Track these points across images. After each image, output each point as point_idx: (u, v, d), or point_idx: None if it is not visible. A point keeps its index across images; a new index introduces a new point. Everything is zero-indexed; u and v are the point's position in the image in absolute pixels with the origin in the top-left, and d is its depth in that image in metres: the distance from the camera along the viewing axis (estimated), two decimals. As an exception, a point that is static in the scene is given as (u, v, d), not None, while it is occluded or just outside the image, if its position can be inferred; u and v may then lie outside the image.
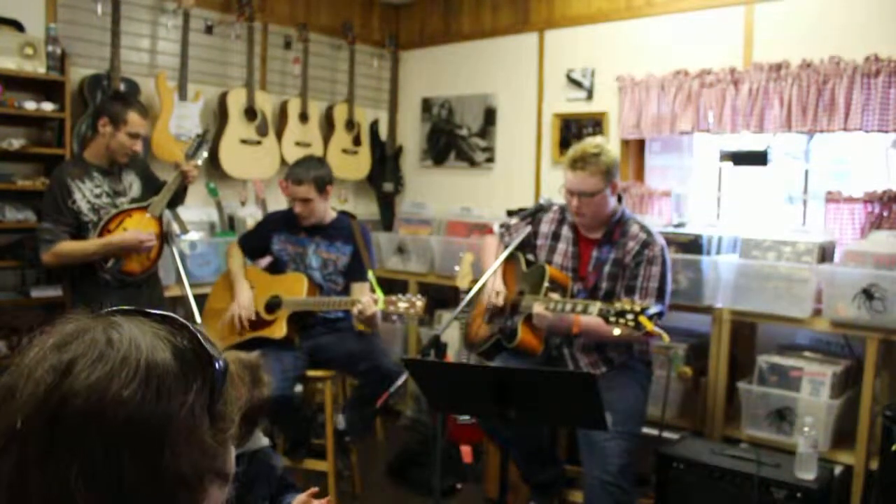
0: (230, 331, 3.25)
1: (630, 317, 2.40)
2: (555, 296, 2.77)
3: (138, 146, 3.08)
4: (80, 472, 0.60)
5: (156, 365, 0.64)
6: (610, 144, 4.07)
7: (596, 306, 2.55)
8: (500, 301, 2.95)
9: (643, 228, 2.86)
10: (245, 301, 3.23)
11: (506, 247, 2.99)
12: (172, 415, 0.64)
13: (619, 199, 2.90)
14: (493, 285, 2.98)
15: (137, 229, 3.02)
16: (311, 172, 3.23)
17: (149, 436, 0.62)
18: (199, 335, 0.70)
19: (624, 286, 2.82)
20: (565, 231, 2.99)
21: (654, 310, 2.43)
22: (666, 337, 2.42)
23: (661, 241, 2.85)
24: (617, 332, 2.43)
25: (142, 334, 0.66)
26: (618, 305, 2.46)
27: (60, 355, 0.64)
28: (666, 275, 2.81)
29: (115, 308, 0.71)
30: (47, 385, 0.62)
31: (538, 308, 2.75)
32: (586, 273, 2.89)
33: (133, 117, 2.98)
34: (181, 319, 0.71)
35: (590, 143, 2.82)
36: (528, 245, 3.07)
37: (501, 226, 3.20)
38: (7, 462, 0.61)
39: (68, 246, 2.92)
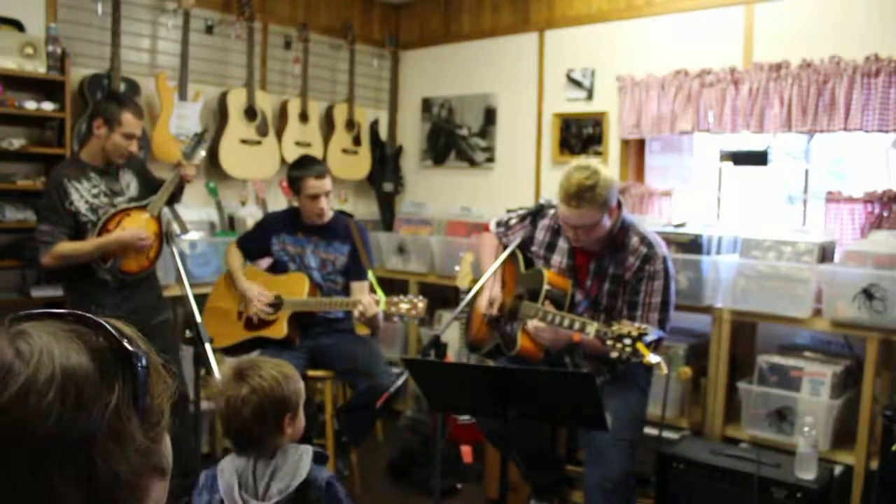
0: (232, 331, 3.26)
1: (627, 342, 2.35)
2: (551, 307, 2.72)
3: (134, 147, 3.04)
4: (7, 492, 0.58)
5: (72, 371, 0.61)
6: (610, 145, 4.10)
7: (593, 327, 2.51)
8: (494, 311, 2.93)
9: (644, 241, 2.74)
10: (256, 291, 3.24)
11: (505, 247, 2.97)
12: (97, 420, 0.61)
13: (619, 206, 2.78)
14: (490, 291, 2.95)
15: (136, 227, 3.01)
16: (324, 165, 3.33)
17: (75, 446, 0.60)
18: (114, 332, 0.66)
19: (626, 301, 2.76)
20: (561, 242, 2.91)
21: (651, 336, 2.37)
22: (664, 368, 2.35)
23: (662, 251, 2.75)
24: (615, 355, 2.39)
25: (53, 339, 0.63)
26: (615, 329, 2.40)
27: None
28: (669, 287, 2.73)
29: (21, 313, 0.67)
30: None
31: (534, 324, 2.71)
32: (585, 284, 2.84)
33: (128, 118, 2.96)
34: (93, 317, 0.67)
35: (582, 172, 2.60)
36: (526, 247, 3.04)
37: (499, 224, 3.16)
38: None
39: (67, 247, 2.92)
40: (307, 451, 1.79)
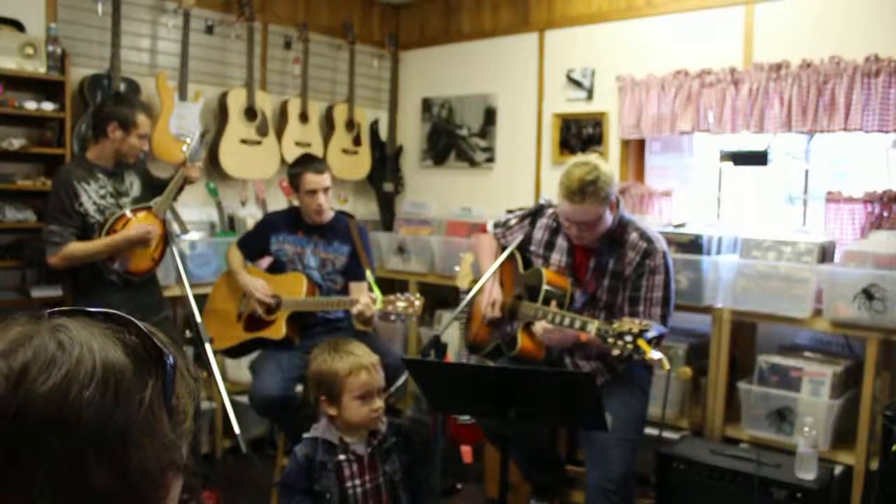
0: (231, 332, 3.26)
1: (629, 339, 2.34)
2: (553, 307, 2.72)
3: (146, 146, 3.13)
4: (45, 479, 0.59)
5: (111, 365, 0.63)
6: (610, 145, 4.10)
7: (594, 325, 2.50)
8: (496, 312, 2.93)
9: (643, 236, 2.75)
10: (258, 284, 3.24)
11: (503, 248, 2.97)
12: (133, 413, 0.63)
13: (618, 203, 2.79)
14: (489, 292, 2.95)
15: (141, 223, 3.02)
16: (324, 162, 3.34)
17: (113, 437, 0.62)
18: (145, 331, 0.68)
19: (627, 297, 2.76)
20: (560, 241, 2.91)
21: (653, 333, 2.35)
22: (666, 364, 2.34)
23: (661, 246, 2.76)
24: (616, 352, 2.38)
25: (91, 335, 0.65)
26: (616, 326, 2.39)
27: (9, 362, 0.61)
28: (669, 282, 2.74)
29: (57, 309, 0.69)
30: (1, 394, 0.60)
31: (542, 325, 2.70)
32: (585, 282, 2.84)
33: (142, 119, 3.01)
34: (125, 316, 0.69)
35: (583, 167, 2.62)
36: (524, 247, 3.04)
37: (496, 225, 3.16)
38: None
39: (76, 247, 2.93)
40: (314, 432, 2.13)
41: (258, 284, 3.24)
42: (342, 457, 2.09)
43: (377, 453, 2.15)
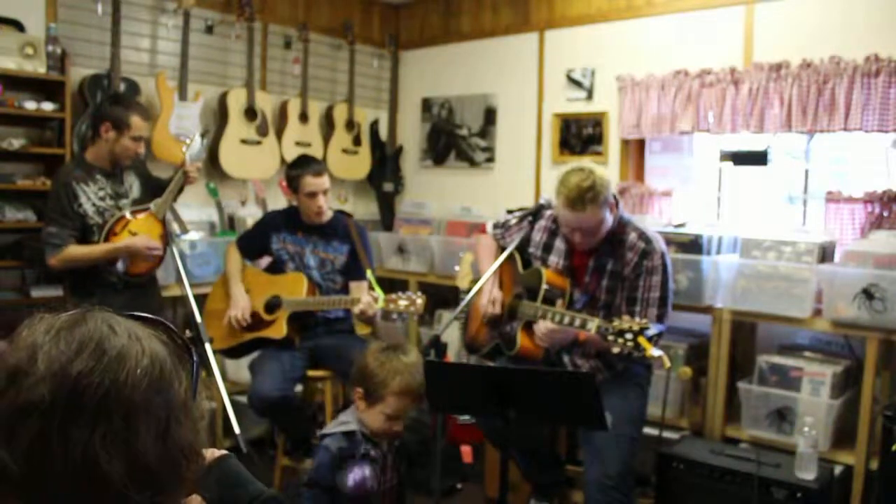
0: (230, 333, 3.26)
1: (629, 336, 2.35)
2: (554, 307, 2.73)
3: (141, 148, 3.09)
4: (102, 436, 0.69)
5: (155, 353, 0.75)
6: (610, 145, 4.10)
7: (594, 323, 2.51)
8: (497, 310, 2.93)
9: (641, 236, 2.76)
10: (242, 302, 3.23)
11: (502, 248, 2.97)
12: (174, 395, 0.75)
13: (616, 203, 2.79)
14: (489, 291, 2.95)
15: (146, 235, 3.02)
16: (322, 164, 3.34)
17: (159, 408, 0.73)
18: (175, 332, 0.80)
19: (625, 297, 2.77)
20: (558, 243, 2.90)
21: (653, 331, 2.37)
22: (667, 362, 2.36)
23: (660, 247, 2.77)
24: (616, 350, 2.39)
25: (135, 327, 0.76)
26: (616, 324, 2.40)
27: (67, 339, 0.71)
28: (667, 282, 2.75)
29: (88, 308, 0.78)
30: (62, 363, 0.69)
31: (544, 325, 2.69)
32: (584, 282, 2.84)
33: (136, 121, 2.98)
34: (156, 318, 0.81)
35: (578, 174, 2.62)
36: (523, 248, 3.04)
37: (496, 226, 3.16)
38: (27, 433, 0.68)
39: (76, 251, 2.92)
40: (338, 426, 2.21)
41: (243, 304, 3.24)
42: (373, 452, 2.16)
43: (397, 456, 2.18)
